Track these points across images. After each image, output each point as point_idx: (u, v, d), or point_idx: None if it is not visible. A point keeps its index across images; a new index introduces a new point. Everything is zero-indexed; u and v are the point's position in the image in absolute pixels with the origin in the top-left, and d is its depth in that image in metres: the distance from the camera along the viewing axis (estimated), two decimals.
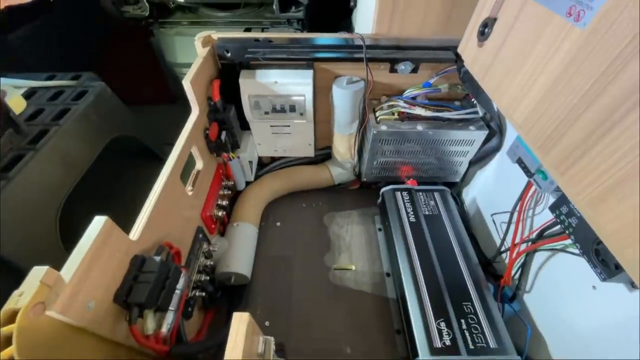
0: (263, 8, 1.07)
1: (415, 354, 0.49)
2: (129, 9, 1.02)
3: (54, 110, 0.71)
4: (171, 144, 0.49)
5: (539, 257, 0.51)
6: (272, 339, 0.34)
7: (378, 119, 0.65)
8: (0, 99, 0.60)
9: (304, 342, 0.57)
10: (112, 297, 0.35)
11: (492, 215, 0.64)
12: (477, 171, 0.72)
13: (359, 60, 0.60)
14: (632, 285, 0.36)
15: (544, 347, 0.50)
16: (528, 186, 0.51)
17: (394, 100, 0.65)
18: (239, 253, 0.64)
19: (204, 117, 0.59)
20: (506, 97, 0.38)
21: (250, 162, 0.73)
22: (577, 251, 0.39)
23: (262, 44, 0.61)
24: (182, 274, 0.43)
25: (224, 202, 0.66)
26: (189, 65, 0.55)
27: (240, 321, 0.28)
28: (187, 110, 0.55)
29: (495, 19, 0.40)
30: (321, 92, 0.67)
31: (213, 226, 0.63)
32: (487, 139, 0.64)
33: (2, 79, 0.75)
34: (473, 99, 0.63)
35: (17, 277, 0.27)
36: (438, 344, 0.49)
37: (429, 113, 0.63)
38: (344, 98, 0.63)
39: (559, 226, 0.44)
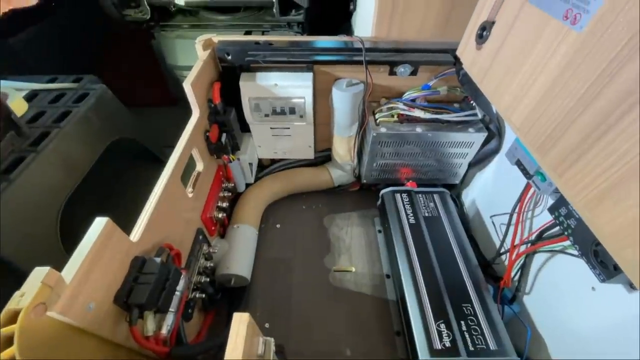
0: (263, 11, 1.07)
1: (415, 356, 0.49)
2: (130, 12, 1.02)
3: (55, 112, 0.72)
4: (172, 146, 0.49)
5: (538, 259, 0.51)
6: (272, 340, 0.34)
7: (377, 121, 0.66)
8: (1, 101, 0.60)
9: (303, 343, 0.57)
10: (113, 298, 0.35)
11: (491, 216, 0.64)
12: (476, 173, 0.72)
13: (359, 63, 0.61)
14: (630, 286, 0.36)
15: (543, 348, 0.50)
16: (527, 188, 0.51)
17: (394, 102, 0.66)
18: (239, 255, 0.64)
19: (204, 119, 0.59)
20: (504, 99, 0.38)
21: (251, 164, 0.73)
22: (576, 252, 0.39)
23: (262, 46, 0.61)
24: (182, 276, 0.43)
25: (224, 204, 0.67)
26: (189, 68, 0.56)
27: (240, 322, 0.28)
28: (187, 112, 0.56)
29: (493, 23, 0.40)
30: (321, 95, 0.67)
31: (213, 228, 0.63)
32: (486, 141, 0.64)
33: (3, 81, 0.76)
34: (472, 101, 0.63)
35: (17, 278, 0.27)
36: (438, 345, 0.49)
37: (428, 115, 0.64)
38: (343, 100, 0.63)
39: (558, 228, 0.44)
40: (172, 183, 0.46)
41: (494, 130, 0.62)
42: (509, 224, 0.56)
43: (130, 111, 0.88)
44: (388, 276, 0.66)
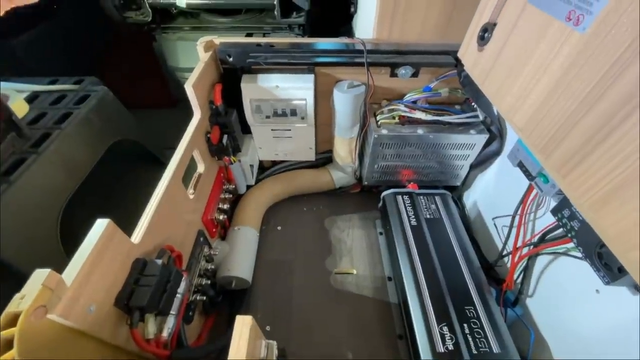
0: (264, 14, 1.08)
1: (418, 359, 0.49)
2: (132, 15, 1.03)
3: (57, 114, 0.71)
4: (173, 148, 0.49)
5: (541, 261, 0.51)
6: (274, 343, 0.33)
7: (379, 122, 0.66)
8: (2, 102, 0.60)
9: (305, 346, 0.57)
10: (114, 300, 0.35)
11: (493, 218, 0.64)
12: (478, 175, 0.72)
13: (360, 64, 0.61)
14: (635, 288, 0.36)
15: (547, 351, 0.49)
16: (529, 189, 0.51)
17: (395, 104, 0.66)
18: (240, 257, 0.64)
19: (205, 120, 0.59)
20: (507, 100, 0.38)
21: (252, 166, 0.73)
22: (579, 255, 0.39)
23: (263, 48, 0.61)
24: (183, 278, 0.43)
25: (225, 206, 0.66)
26: (190, 70, 0.56)
27: (243, 324, 0.28)
28: (188, 114, 0.56)
29: (495, 24, 0.40)
30: (322, 97, 0.67)
31: (214, 230, 0.63)
32: (488, 143, 0.64)
33: (4, 82, 0.76)
34: (473, 103, 0.63)
35: (17, 280, 0.27)
36: (441, 348, 0.48)
37: (429, 117, 0.63)
38: (345, 102, 0.63)
39: (561, 229, 0.44)
40: (173, 184, 0.46)
41: (495, 132, 0.62)
42: (511, 226, 0.56)
43: (132, 113, 0.88)
44: (390, 278, 0.66)
